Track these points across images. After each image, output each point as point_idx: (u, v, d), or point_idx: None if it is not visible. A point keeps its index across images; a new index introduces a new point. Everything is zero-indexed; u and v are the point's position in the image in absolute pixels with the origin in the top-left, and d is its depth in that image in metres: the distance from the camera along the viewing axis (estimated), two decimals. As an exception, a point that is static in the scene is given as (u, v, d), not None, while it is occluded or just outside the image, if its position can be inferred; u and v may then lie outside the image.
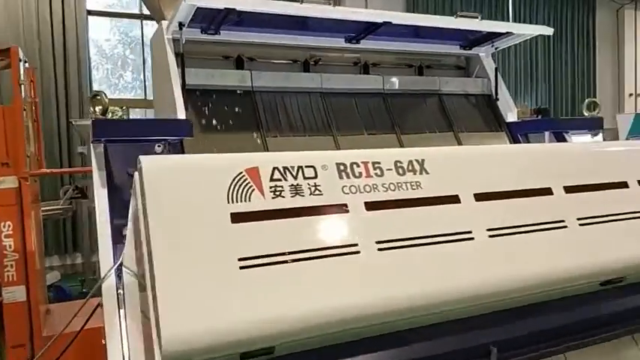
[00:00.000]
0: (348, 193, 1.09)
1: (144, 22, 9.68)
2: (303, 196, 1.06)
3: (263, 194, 1.03)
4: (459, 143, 2.71)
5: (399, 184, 1.13)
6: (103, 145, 1.98)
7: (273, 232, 1.01)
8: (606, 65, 11.17)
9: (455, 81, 2.91)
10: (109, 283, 1.76)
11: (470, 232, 1.16)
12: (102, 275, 1.77)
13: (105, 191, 1.92)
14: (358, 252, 1.05)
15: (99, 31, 9.28)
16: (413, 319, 1.16)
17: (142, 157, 1.00)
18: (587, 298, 1.42)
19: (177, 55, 2.28)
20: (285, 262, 0.99)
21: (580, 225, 1.29)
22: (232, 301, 0.93)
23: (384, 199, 1.11)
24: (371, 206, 1.09)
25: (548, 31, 2.61)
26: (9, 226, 2.69)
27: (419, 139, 2.64)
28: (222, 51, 2.56)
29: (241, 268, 0.96)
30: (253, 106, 2.44)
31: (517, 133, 2.78)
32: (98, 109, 1.77)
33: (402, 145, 2.58)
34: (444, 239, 1.13)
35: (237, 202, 1.00)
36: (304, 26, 2.52)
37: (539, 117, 3.15)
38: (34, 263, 2.81)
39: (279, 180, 1.05)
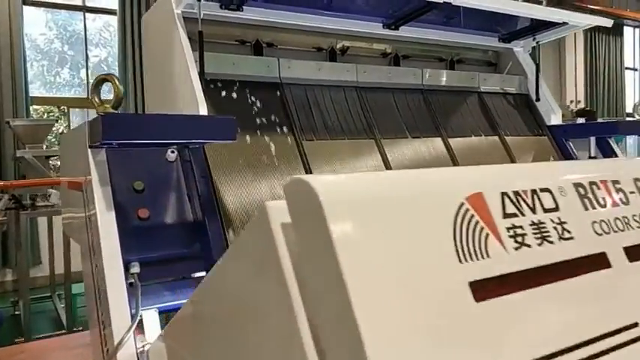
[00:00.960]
0: (601, 235, 0.69)
1: (86, 14, 8.83)
2: (551, 242, 0.64)
3: (502, 242, 0.60)
4: (507, 148, 2.38)
5: (655, 217, 0.75)
6: (104, 150, 1.45)
7: (532, 314, 0.59)
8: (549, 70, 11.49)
9: (492, 78, 2.58)
10: (126, 352, 1.24)
11: None
12: (115, 337, 1.25)
13: (112, 217, 1.38)
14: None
15: (33, 24, 8.39)
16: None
17: (304, 178, 0.54)
18: None
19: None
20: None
21: None
22: None
23: (646, 243, 0.72)
24: (634, 254, 0.70)
25: (608, 22, 2.35)
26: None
27: (465, 144, 2.29)
28: (238, 34, 2.08)
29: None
30: (283, 102, 1.98)
31: (561, 137, 2.50)
32: (110, 98, 1.25)
33: (449, 150, 2.21)
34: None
35: (470, 259, 0.57)
36: (336, 6, 2.09)
37: (584, 120, 2.93)
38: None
39: (515, 215, 0.63)
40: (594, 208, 0.71)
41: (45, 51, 8.78)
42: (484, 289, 0.55)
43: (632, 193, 0.76)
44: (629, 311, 0.65)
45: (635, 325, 0.64)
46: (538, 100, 2.57)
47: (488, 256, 0.58)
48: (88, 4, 8.56)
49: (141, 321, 1.34)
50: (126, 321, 1.28)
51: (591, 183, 0.72)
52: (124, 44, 8.48)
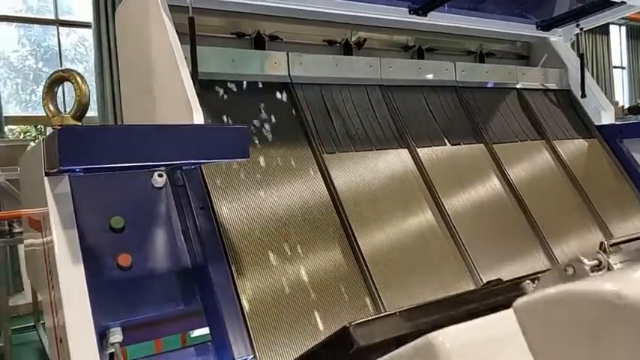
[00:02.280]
0: None
1: (60, 29, 8.42)
2: None
3: None
4: (555, 154, 2.02)
5: None
6: (67, 178, 1.04)
7: None
8: None
9: (531, 72, 2.23)
10: None
11: None
12: None
13: (80, 269, 0.98)
14: None
15: (5, 41, 7.97)
16: None
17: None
18: None
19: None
20: None
21: None
22: None
23: None
24: None
25: (672, 1, 2.01)
26: None
27: (511, 150, 1.92)
28: (235, 25, 1.69)
29: None
30: (295, 106, 1.59)
31: (614, 138, 2.15)
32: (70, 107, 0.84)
33: (495, 160, 1.84)
34: None
35: None
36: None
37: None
38: None
39: None
40: None
41: (19, 68, 8.36)
42: None
43: None
44: None
45: None
46: (584, 96, 2.22)
47: None
48: (62, 17, 8.16)
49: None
50: None
51: None
52: (101, 57, 8.07)
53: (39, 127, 8.62)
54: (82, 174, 1.03)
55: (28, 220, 1.47)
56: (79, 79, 0.87)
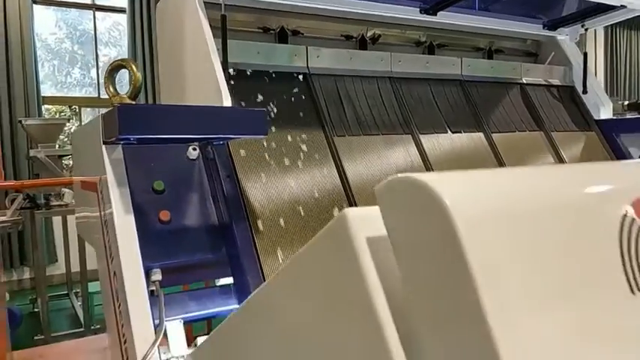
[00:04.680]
0: None
1: (96, 13, 8.78)
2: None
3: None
4: (553, 145, 2.19)
5: None
6: (121, 147, 1.29)
7: None
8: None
9: (535, 69, 2.39)
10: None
11: None
12: (138, 354, 1.09)
13: (131, 219, 1.23)
14: None
15: (43, 24, 8.36)
16: None
17: (415, 177, 0.38)
18: None
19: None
20: None
21: None
22: None
23: None
24: None
25: (668, 4, 2.14)
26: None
27: (509, 140, 2.10)
28: (261, 20, 1.92)
29: None
30: (311, 94, 1.81)
31: (611, 132, 2.30)
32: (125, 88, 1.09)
33: (493, 147, 2.02)
34: None
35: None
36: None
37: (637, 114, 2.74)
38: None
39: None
40: None
41: (55, 50, 8.74)
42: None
43: None
44: None
45: None
46: (585, 92, 2.37)
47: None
48: (98, 2, 8.50)
49: (164, 332, 1.19)
50: (148, 332, 1.13)
51: None
52: (134, 42, 8.41)
53: (73, 107, 9.04)
54: (134, 143, 1.27)
55: (81, 183, 1.73)
56: (134, 66, 1.11)
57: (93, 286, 5.47)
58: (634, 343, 0.40)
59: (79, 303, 6.06)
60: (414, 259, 0.39)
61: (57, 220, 8.13)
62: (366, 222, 0.44)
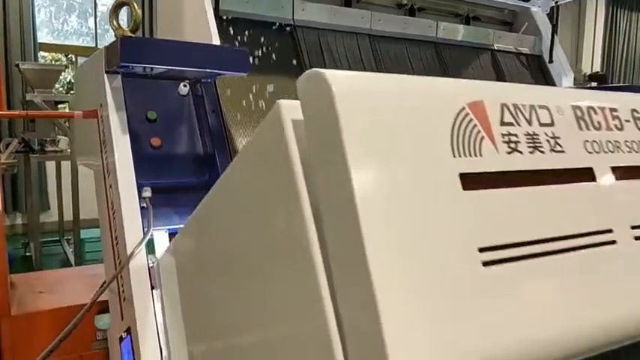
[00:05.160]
0: (591, 153, 0.73)
1: (97, -41, 8.68)
2: (542, 152, 0.68)
3: (495, 145, 0.64)
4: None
5: (644, 144, 0.79)
6: (120, 77, 1.48)
7: (512, 207, 0.64)
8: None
9: (507, 37, 2.57)
10: (138, 264, 1.32)
11: None
12: (128, 250, 1.32)
13: (127, 140, 1.43)
14: (613, 242, 0.70)
15: (40, -32, 8.24)
16: None
17: (319, 71, 0.58)
18: None
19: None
20: (537, 255, 0.62)
21: None
22: (480, 316, 0.56)
23: (633, 164, 0.76)
24: (619, 173, 0.74)
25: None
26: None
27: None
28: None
29: (485, 264, 0.58)
30: (295, 46, 1.99)
31: (571, 99, 2.50)
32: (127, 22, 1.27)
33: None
34: None
35: (464, 155, 0.62)
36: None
37: (596, 84, 2.92)
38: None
39: (512, 125, 0.67)
40: (588, 129, 0.74)
41: (52, -4, 8.66)
42: (472, 181, 0.60)
43: (627, 121, 0.79)
44: (606, 219, 0.69)
45: (610, 231, 0.69)
46: (551, 61, 2.56)
47: (480, 155, 0.63)
48: (99, -53, 8.38)
49: (151, 241, 1.41)
50: (138, 237, 1.35)
51: (589, 108, 0.76)
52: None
53: (70, 56, 9.03)
54: (133, 73, 1.46)
55: (83, 113, 1.93)
56: (135, 4, 1.29)
57: (85, 233, 5.67)
58: (467, 235, 0.60)
59: (71, 249, 6.25)
60: (311, 131, 0.60)
61: (51, 168, 8.27)
62: (294, 109, 0.65)
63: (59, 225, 7.56)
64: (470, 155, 0.61)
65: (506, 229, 0.61)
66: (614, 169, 0.74)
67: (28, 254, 6.82)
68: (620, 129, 0.77)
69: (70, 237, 6.53)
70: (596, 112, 0.76)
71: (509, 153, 0.65)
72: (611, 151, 0.75)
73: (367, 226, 0.52)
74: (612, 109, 0.78)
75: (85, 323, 2.43)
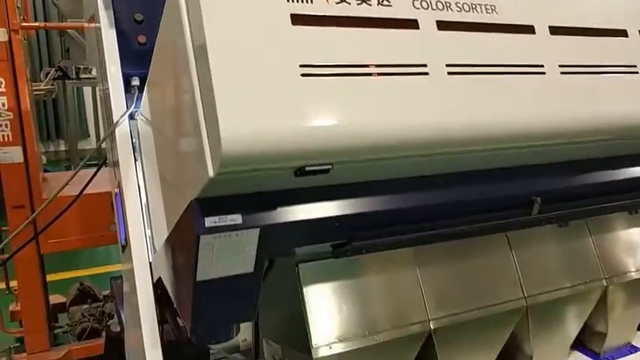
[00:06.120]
0: (419, 9, 0.95)
1: None
2: (370, 5, 0.91)
3: (326, -3, 0.88)
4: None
5: (473, 6, 1.00)
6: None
7: (337, 41, 0.88)
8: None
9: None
10: (122, 130, 1.65)
11: (542, 67, 1.06)
12: (114, 120, 1.65)
13: (113, 32, 1.73)
14: (427, 73, 0.94)
15: None
16: (466, 159, 1.10)
17: None
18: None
19: None
20: (349, 74, 0.88)
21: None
22: (291, 109, 0.83)
23: (457, 20, 0.98)
24: (443, 26, 0.96)
25: None
26: (1, 83, 2.50)
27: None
28: None
29: (303, 75, 0.84)
30: None
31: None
32: None
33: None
34: (515, 70, 1.03)
35: (296, 2, 0.86)
36: None
37: None
38: (29, 124, 2.67)
39: (341, -19, 0.90)
40: (418, -11, 0.96)
41: None
42: (300, 19, 0.85)
43: (461, -14, 1.00)
44: (423, 57, 0.93)
45: (424, 65, 0.93)
46: None
47: (312, 2, 0.87)
48: None
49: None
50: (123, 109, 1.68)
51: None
52: None
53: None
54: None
55: (86, 24, 2.23)
56: None
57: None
58: (291, 54, 0.86)
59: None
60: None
61: (87, 95, 8.78)
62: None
63: (98, 152, 8.12)
64: (301, 2, 0.86)
65: (325, 54, 0.86)
66: (440, 23, 0.96)
67: (71, 176, 7.41)
68: (450, -9, 0.99)
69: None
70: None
71: (337, 3, 0.89)
72: (440, 9, 0.97)
73: (212, 38, 0.79)
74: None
75: (105, 209, 2.89)
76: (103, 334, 2.98)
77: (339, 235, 1.11)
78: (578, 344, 1.80)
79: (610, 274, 1.66)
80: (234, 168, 0.82)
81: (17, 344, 3.04)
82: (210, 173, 0.83)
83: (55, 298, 3.31)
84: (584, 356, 1.71)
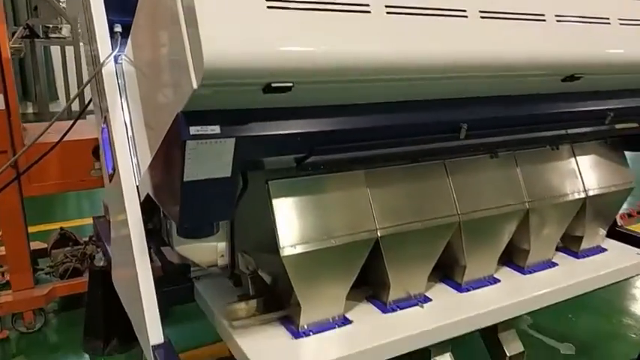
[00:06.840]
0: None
1: None
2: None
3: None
4: None
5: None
6: None
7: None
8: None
9: None
10: (108, 70, 1.83)
11: (465, 11, 1.31)
12: (101, 58, 1.83)
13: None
14: (369, 12, 1.18)
15: None
16: (404, 87, 1.35)
17: None
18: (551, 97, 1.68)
19: None
20: (306, 9, 1.10)
21: (557, 21, 1.46)
22: (259, 35, 1.05)
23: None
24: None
25: None
26: (-20, 29, 2.59)
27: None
28: None
29: (268, 7, 1.07)
30: None
31: None
32: None
33: None
34: (441, 13, 1.28)
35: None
36: None
37: None
38: (10, 71, 2.79)
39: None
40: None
41: None
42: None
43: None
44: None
45: (367, 5, 1.16)
46: None
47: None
48: None
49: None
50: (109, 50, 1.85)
51: None
52: None
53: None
54: None
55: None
56: None
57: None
58: None
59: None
60: None
61: (56, 55, 8.62)
62: None
63: (67, 114, 8.10)
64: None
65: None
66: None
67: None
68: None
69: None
70: None
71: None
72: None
73: None
74: None
75: (85, 156, 3.06)
76: (86, 273, 3.19)
77: (300, 149, 1.35)
78: (507, 260, 2.13)
79: (532, 199, 1.97)
80: (214, 81, 1.04)
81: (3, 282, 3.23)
82: (194, 85, 1.05)
83: (35, 245, 3.48)
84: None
